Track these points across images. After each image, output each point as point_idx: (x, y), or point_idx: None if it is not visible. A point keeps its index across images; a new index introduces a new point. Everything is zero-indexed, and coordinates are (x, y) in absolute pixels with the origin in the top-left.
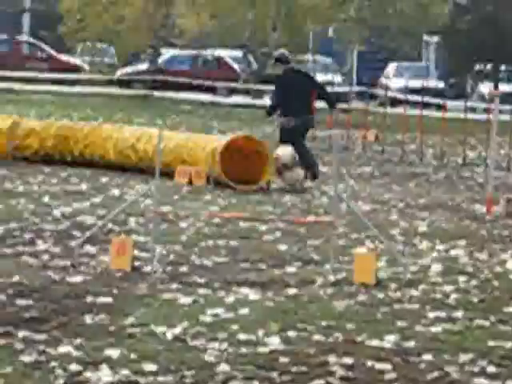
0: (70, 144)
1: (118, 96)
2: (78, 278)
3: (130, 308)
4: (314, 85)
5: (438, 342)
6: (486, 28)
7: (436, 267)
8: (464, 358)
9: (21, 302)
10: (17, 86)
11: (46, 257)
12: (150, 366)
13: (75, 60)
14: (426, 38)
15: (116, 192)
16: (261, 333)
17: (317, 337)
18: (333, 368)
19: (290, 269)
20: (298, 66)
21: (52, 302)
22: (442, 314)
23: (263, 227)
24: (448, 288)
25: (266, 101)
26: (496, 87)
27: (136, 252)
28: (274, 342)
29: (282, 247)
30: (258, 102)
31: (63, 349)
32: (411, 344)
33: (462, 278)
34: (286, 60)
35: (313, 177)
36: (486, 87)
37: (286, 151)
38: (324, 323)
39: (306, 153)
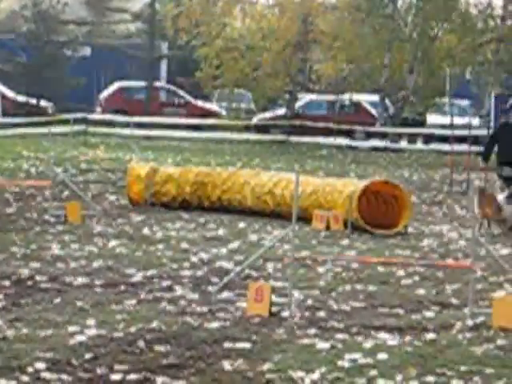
0: (208, 190)
1: (255, 141)
2: (215, 324)
3: (268, 354)
4: None
5: None
6: None
7: None
8: None
9: (159, 348)
10: (154, 132)
11: (183, 303)
12: None
13: (212, 106)
14: None
15: (254, 237)
16: (399, 378)
17: (456, 382)
18: None
19: (428, 313)
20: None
21: (190, 349)
22: None
23: (401, 272)
24: None
25: (402, 144)
26: None
27: (274, 297)
28: None
29: (420, 291)
30: (395, 145)
31: None
32: None
33: None
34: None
35: None
36: None
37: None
38: (463, 368)
39: None
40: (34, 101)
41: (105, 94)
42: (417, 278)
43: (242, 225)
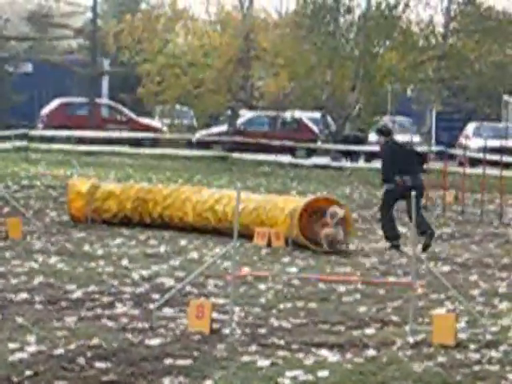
0: (149, 206)
1: (196, 158)
2: (156, 341)
3: (209, 370)
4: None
5: None
6: None
7: None
8: None
9: (100, 364)
10: (96, 148)
11: (124, 319)
12: None
13: (154, 122)
14: (505, 97)
15: (195, 254)
16: None
17: None
18: None
19: (369, 330)
20: (398, 139)
21: (131, 365)
22: None
23: (342, 288)
24: None
25: (344, 162)
26: None
27: (215, 314)
28: None
29: (361, 309)
30: (336, 163)
31: None
32: None
33: None
34: (388, 132)
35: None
36: None
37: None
38: None
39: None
40: None
41: (46, 109)
42: (358, 295)
43: (183, 241)
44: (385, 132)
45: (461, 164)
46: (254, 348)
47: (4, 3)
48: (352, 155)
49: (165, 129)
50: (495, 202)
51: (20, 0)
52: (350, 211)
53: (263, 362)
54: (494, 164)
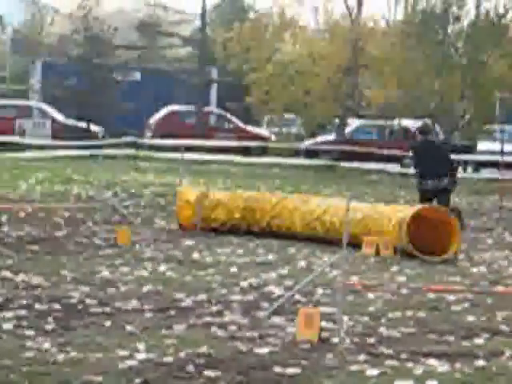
0: (257, 215)
1: (304, 166)
2: (265, 349)
3: (318, 379)
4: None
5: None
6: None
7: None
8: None
9: (209, 373)
10: (204, 156)
11: (233, 328)
12: None
13: (262, 131)
14: None
15: (303, 263)
16: None
17: None
18: None
19: (479, 340)
20: (433, 138)
21: (240, 374)
22: None
23: (451, 298)
24: None
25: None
26: None
27: (323, 323)
28: None
29: (471, 318)
30: None
31: None
32: None
33: None
34: (426, 131)
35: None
36: None
37: None
38: None
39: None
40: (83, 125)
41: (155, 118)
42: (467, 304)
43: (291, 250)
44: (423, 131)
45: None
46: (362, 357)
47: (113, 12)
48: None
49: (273, 137)
50: None
51: (128, 9)
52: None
53: (372, 372)
54: None
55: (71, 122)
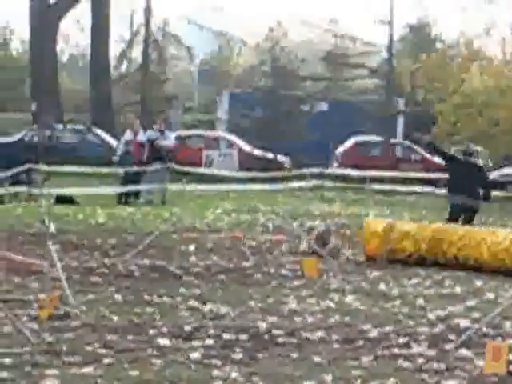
0: (444, 247)
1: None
2: (453, 382)
3: None
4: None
5: None
6: None
7: None
8: None
9: None
10: (390, 187)
11: (420, 360)
12: None
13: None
14: None
15: (491, 295)
16: None
17: None
18: None
19: None
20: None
21: None
22: None
23: None
24: None
25: None
26: None
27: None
28: None
29: None
30: None
31: None
32: None
33: None
34: (468, 153)
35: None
36: None
37: None
38: None
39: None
40: (271, 155)
41: (341, 148)
42: None
43: (478, 282)
44: (466, 153)
45: None
46: None
47: (300, 43)
48: None
49: None
50: None
51: (316, 40)
52: None
53: None
54: None
55: (258, 152)
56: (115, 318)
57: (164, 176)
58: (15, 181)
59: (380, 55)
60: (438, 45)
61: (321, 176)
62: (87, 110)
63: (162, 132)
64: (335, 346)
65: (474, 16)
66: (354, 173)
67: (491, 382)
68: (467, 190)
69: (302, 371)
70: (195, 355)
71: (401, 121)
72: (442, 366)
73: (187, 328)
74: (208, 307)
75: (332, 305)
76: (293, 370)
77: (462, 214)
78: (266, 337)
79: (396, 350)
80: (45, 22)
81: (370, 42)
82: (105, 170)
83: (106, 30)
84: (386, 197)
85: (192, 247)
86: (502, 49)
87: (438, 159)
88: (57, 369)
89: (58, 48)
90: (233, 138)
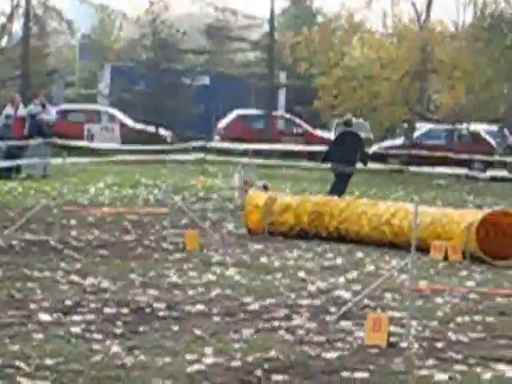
0: (326, 219)
1: (373, 171)
2: (333, 354)
3: None
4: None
5: None
6: None
7: None
8: None
9: (277, 377)
10: (272, 161)
11: (301, 332)
12: None
13: (330, 135)
14: None
15: (371, 267)
16: None
17: None
18: None
19: None
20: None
21: (308, 378)
22: None
23: None
24: None
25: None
26: None
27: (392, 328)
28: None
29: None
30: None
31: None
32: None
33: None
34: (350, 124)
35: None
36: None
37: None
38: None
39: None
40: (152, 129)
41: (223, 122)
42: None
43: (359, 254)
44: (347, 123)
45: None
46: (431, 362)
47: (181, 16)
48: None
49: None
50: None
51: (197, 13)
52: None
53: (440, 376)
54: None
55: (140, 126)
56: None
57: (45, 150)
58: None
59: (262, 28)
60: (320, 18)
61: (203, 150)
62: None
63: (43, 106)
64: (216, 319)
65: None
66: (236, 146)
67: (372, 354)
68: (346, 157)
69: (182, 344)
70: (76, 330)
71: (283, 94)
72: (323, 338)
73: (68, 302)
74: (89, 281)
75: (213, 278)
76: (174, 343)
77: (340, 179)
78: (147, 310)
79: (277, 323)
80: None
81: (251, 15)
82: None
83: None
84: (268, 170)
85: (73, 221)
86: (383, 22)
87: (319, 132)
88: None
89: None
90: (114, 111)
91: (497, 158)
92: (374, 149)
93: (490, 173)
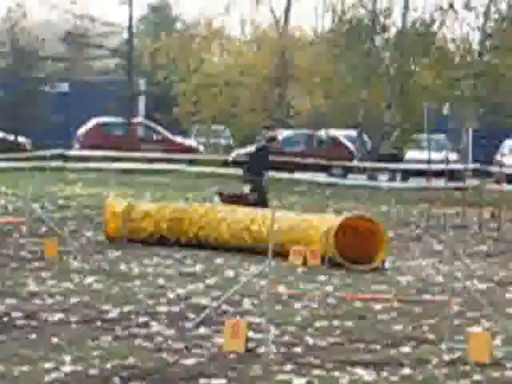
0: (185, 226)
1: (233, 176)
2: (191, 360)
3: None
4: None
5: None
6: None
7: None
8: None
9: None
10: (132, 167)
11: (160, 339)
12: None
13: (190, 142)
14: None
15: (230, 273)
16: None
17: None
18: None
19: (405, 349)
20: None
21: None
22: None
23: (378, 307)
24: None
25: (381, 180)
26: None
27: (250, 333)
28: None
29: (397, 327)
30: (373, 181)
31: None
32: None
33: None
34: (273, 140)
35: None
36: None
37: None
38: None
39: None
40: (11, 137)
41: (82, 129)
42: (394, 313)
43: (218, 260)
44: (270, 140)
45: (497, 181)
46: (289, 367)
47: (40, 24)
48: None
49: (201, 148)
50: None
51: (56, 20)
52: (386, 229)
53: (299, 381)
54: None
55: None
56: None
57: None
58: None
59: (121, 35)
60: (179, 25)
61: (62, 157)
62: None
63: None
64: (74, 326)
65: None
66: (95, 153)
67: (230, 360)
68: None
69: (40, 353)
70: None
71: (142, 101)
72: (182, 345)
73: None
74: None
75: (71, 286)
76: (31, 352)
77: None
78: (5, 319)
79: (135, 330)
80: None
81: (109, 22)
82: None
83: None
84: (128, 177)
85: None
86: (242, 28)
87: (180, 139)
88: None
89: None
90: None
91: (355, 163)
92: (232, 155)
93: (349, 178)
